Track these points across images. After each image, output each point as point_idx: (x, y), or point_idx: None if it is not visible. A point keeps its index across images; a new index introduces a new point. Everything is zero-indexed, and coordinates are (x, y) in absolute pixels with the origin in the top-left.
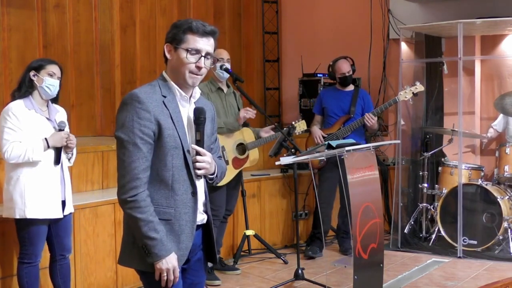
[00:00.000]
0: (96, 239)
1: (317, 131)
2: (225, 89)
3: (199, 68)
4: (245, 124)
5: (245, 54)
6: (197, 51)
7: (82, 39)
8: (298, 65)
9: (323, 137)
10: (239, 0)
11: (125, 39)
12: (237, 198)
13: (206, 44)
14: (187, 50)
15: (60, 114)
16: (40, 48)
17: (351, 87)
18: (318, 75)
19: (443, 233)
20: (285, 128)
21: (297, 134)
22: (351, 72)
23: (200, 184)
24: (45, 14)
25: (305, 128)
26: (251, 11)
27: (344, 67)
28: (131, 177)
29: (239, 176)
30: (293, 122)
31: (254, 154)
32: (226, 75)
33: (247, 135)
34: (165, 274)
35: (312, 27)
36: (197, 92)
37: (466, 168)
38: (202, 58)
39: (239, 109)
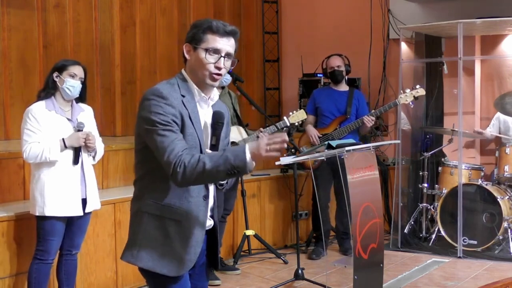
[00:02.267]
0: (96, 239)
1: (312, 130)
2: (219, 89)
3: (218, 68)
4: (242, 124)
5: (245, 54)
6: (217, 51)
7: (82, 39)
8: (298, 65)
9: (318, 137)
10: (239, 0)
11: (125, 39)
12: (236, 198)
13: (226, 44)
14: (206, 50)
15: (84, 113)
16: (40, 48)
17: (346, 87)
18: (318, 75)
19: (443, 233)
20: (285, 128)
21: (297, 124)
22: (341, 68)
23: (211, 189)
24: (45, 14)
25: (305, 117)
26: (251, 11)
27: (334, 62)
28: (169, 150)
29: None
30: (290, 113)
31: None
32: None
33: (241, 133)
34: (269, 149)
35: (312, 27)
36: (215, 94)
37: (466, 168)
38: (222, 58)
39: (234, 110)
